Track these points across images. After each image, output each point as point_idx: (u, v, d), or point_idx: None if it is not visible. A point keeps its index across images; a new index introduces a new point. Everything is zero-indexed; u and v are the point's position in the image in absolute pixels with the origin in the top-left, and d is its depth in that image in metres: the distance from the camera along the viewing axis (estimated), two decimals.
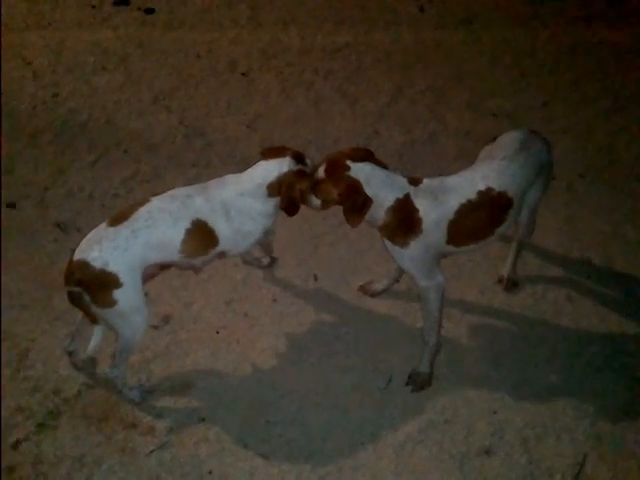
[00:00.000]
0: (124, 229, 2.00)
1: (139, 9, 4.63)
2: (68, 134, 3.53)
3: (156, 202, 2.11)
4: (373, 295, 2.65)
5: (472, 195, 2.13)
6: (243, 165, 3.33)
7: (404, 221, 2.09)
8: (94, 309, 2.01)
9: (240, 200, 2.19)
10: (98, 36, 4.36)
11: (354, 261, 2.81)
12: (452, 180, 2.19)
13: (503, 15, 4.76)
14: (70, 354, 2.25)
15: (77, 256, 1.98)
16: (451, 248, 2.21)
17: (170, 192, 2.19)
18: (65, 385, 2.25)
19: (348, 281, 2.71)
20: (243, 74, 4.07)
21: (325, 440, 2.15)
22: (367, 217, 2.09)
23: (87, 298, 1.99)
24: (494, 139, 2.43)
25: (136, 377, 2.30)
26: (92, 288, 1.95)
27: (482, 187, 2.15)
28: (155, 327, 2.44)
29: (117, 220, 2.04)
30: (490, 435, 2.18)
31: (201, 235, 2.13)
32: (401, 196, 2.08)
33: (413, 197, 2.09)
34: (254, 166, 2.28)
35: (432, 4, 4.83)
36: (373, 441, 2.15)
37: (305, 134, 3.58)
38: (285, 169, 2.18)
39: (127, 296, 1.97)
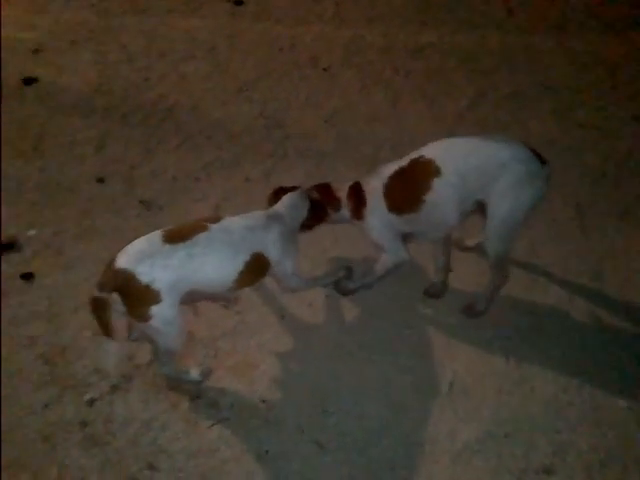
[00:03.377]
0: (180, 250, 1.94)
1: (229, 0, 4.79)
2: (156, 117, 3.71)
3: (217, 232, 2.04)
4: (436, 296, 2.63)
5: (405, 162, 2.33)
6: (318, 159, 3.43)
7: (355, 199, 2.44)
8: (127, 318, 1.99)
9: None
10: (189, 24, 4.55)
11: (421, 264, 2.79)
12: (402, 158, 2.38)
13: (597, 23, 4.55)
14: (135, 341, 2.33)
15: (123, 264, 1.88)
16: (396, 219, 2.38)
17: (227, 221, 2.12)
18: (139, 352, 2.38)
19: (411, 282, 2.70)
20: (324, 69, 4.12)
21: (381, 436, 2.16)
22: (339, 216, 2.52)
23: (118, 308, 1.92)
24: None
25: (204, 351, 2.41)
26: (131, 300, 1.90)
27: (416, 155, 2.30)
28: (225, 307, 2.53)
29: (174, 238, 1.97)
30: (552, 454, 2.12)
31: (257, 266, 2.14)
32: (352, 183, 2.48)
33: (362, 180, 2.47)
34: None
35: (522, 8, 4.70)
36: (430, 444, 2.13)
37: (381, 132, 3.58)
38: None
39: (163, 313, 1.93)
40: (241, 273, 2.06)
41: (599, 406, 2.26)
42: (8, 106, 3.78)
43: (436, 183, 2.23)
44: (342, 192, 2.50)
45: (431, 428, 2.18)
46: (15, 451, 2.08)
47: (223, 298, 2.23)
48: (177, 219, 2.95)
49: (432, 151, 2.28)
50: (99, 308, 1.89)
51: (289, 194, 2.40)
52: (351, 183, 2.50)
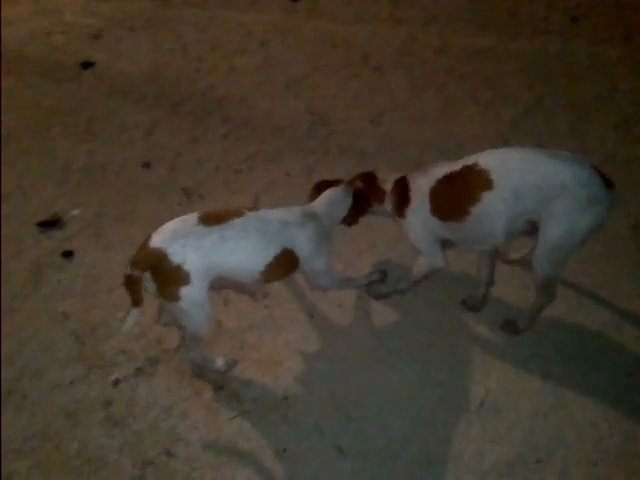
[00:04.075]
0: (215, 232, 1.93)
1: None
2: (205, 107, 3.74)
3: (253, 219, 2.02)
4: (475, 309, 2.52)
5: (457, 167, 2.18)
6: (360, 158, 3.37)
7: (399, 195, 2.34)
8: (158, 299, 1.99)
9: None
10: (244, 18, 4.59)
11: (462, 271, 2.68)
12: (454, 161, 2.23)
13: None
14: (165, 325, 2.36)
15: (156, 243, 1.89)
16: (437, 223, 2.26)
17: (265, 212, 2.10)
18: (167, 337, 2.38)
19: (449, 290, 2.59)
20: (375, 68, 4.05)
21: (403, 448, 2.07)
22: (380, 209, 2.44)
23: (150, 285, 1.92)
24: None
25: (231, 342, 2.39)
26: (162, 279, 1.89)
27: (470, 162, 2.14)
28: (254, 300, 2.51)
29: (209, 220, 1.96)
30: None
31: (286, 262, 2.09)
32: (398, 177, 2.39)
33: (409, 176, 2.35)
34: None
35: (587, 16, 4.49)
36: (453, 462, 2.03)
37: (428, 135, 3.48)
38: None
39: (192, 295, 1.91)
40: (269, 265, 2.02)
41: (638, 437, 2.10)
42: (65, 88, 3.90)
43: (486, 197, 2.09)
44: (387, 184, 2.40)
45: (457, 445, 2.08)
46: (40, 424, 2.12)
47: (250, 290, 2.18)
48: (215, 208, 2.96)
49: (488, 160, 2.12)
50: (132, 284, 1.90)
51: (330, 189, 2.33)
52: (398, 177, 2.40)
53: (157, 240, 1.90)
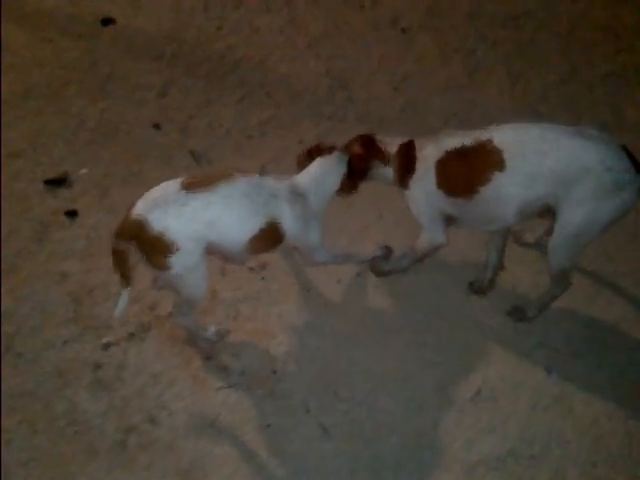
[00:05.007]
0: (198, 198, 1.82)
1: None
2: (221, 69, 3.62)
3: (242, 183, 1.91)
4: (481, 293, 2.39)
5: (470, 141, 2.00)
6: (378, 125, 3.20)
7: (404, 162, 2.14)
8: (148, 268, 1.91)
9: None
10: None
11: (470, 252, 2.54)
12: (468, 131, 2.05)
13: None
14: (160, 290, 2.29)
15: (138, 211, 1.81)
16: (443, 198, 2.09)
17: (257, 178, 1.99)
18: (161, 302, 2.36)
19: (455, 271, 2.46)
20: (402, 30, 3.82)
21: (391, 433, 2.01)
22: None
23: (137, 256, 1.85)
24: None
25: (225, 312, 2.35)
26: (146, 249, 1.82)
27: (485, 137, 1.96)
28: (252, 269, 2.45)
29: (193, 185, 1.86)
30: None
31: (271, 236, 1.99)
32: (405, 141, 2.18)
33: (417, 141, 2.15)
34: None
35: None
36: (442, 451, 1.96)
37: (452, 104, 3.28)
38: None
39: (182, 261, 1.83)
40: (255, 237, 1.93)
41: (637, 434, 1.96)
42: (83, 45, 3.84)
43: (497, 177, 1.92)
44: (391, 147, 2.20)
45: (447, 433, 2.00)
46: (32, 382, 2.14)
47: (239, 260, 2.10)
48: None
49: (503, 137, 1.93)
50: (118, 259, 1.84)
51: (319, 160, 2.16)
52: (403, 140, 2.19)
53: (138, 209, 1.82)
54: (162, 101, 3.41)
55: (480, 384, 2.13)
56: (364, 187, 2.33)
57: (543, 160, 1.85)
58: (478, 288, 2.40)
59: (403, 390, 2.12)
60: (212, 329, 2.22)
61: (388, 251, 2.46)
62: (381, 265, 2.43)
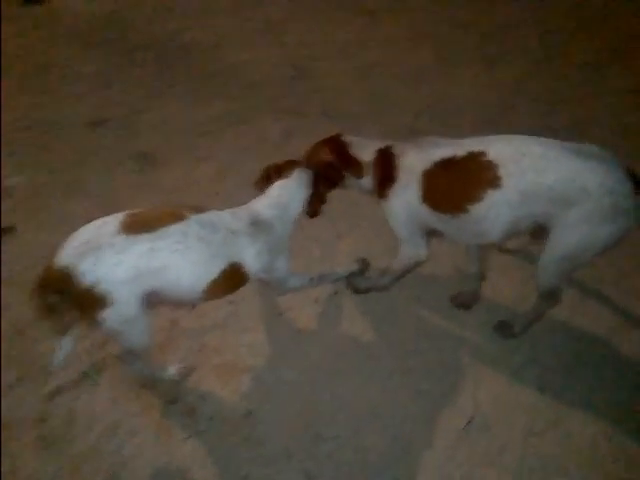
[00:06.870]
0: (141, 243, 1.53)
1: None
2: (170, 55, 3.28)
3: (194, 225, 1.62)
4: (465, 307, 2.23)
5: (461, 152, 1.80)
6: (346, 120, 2.95)
7: (383, 172, 1.94)
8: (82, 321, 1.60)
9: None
10: None
11: (450, 265, 2.37)
12: (457, 140, 1.86)
13: None
14: None
15: (63, 260, 1.49)
16: (426, 213, 1.90)
17: (211, 215, 1.70)
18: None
19: (436, 286, 2.29)
20: (370, 12, 3.55)
21: (380, 473, 1.83)
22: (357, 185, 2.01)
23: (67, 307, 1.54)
24: None
25: (188, 343, 2.09)
26: (75, 304, 1.52)
27: (477, 149, 1.77)
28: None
29: (134, 226, 1.55)
30: None
31: (233, 278, 1.72)
32: (383, 147, 1.95)
33: (395, 147, 1.93)
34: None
35: None
36: None
37: (423, 97, 3.07)
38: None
39: (117, 315, 1.56)
40: (214, 282, 1.65)
41: None
42: (11, 30, 3.37)
43: (490, 196, 1.73)
44: (366, 154, 1.97)
45: (441, 471, 1.84)
46: None
47: (192, 304, 1.80)
48: (177, 179, 2.58)
49: (499, 151, 1.74)
50: (45, 312, 1.53)
51: (279, 184, 1.87)
52: (380, 146, 1.96)
53: (64, 257, 1.50)
54: (103, 94, 3.04)
55: (472, 411, 1.97)
56: (337, 193, 2.10)
57: (541, 178, 1.68)
58: (461, 302, 2.24)
59: (390, 425, 1.94)
60: (172, 370, 1.96)
61: (364, 264, 2.26)
62: (359, 282, 2.22)
